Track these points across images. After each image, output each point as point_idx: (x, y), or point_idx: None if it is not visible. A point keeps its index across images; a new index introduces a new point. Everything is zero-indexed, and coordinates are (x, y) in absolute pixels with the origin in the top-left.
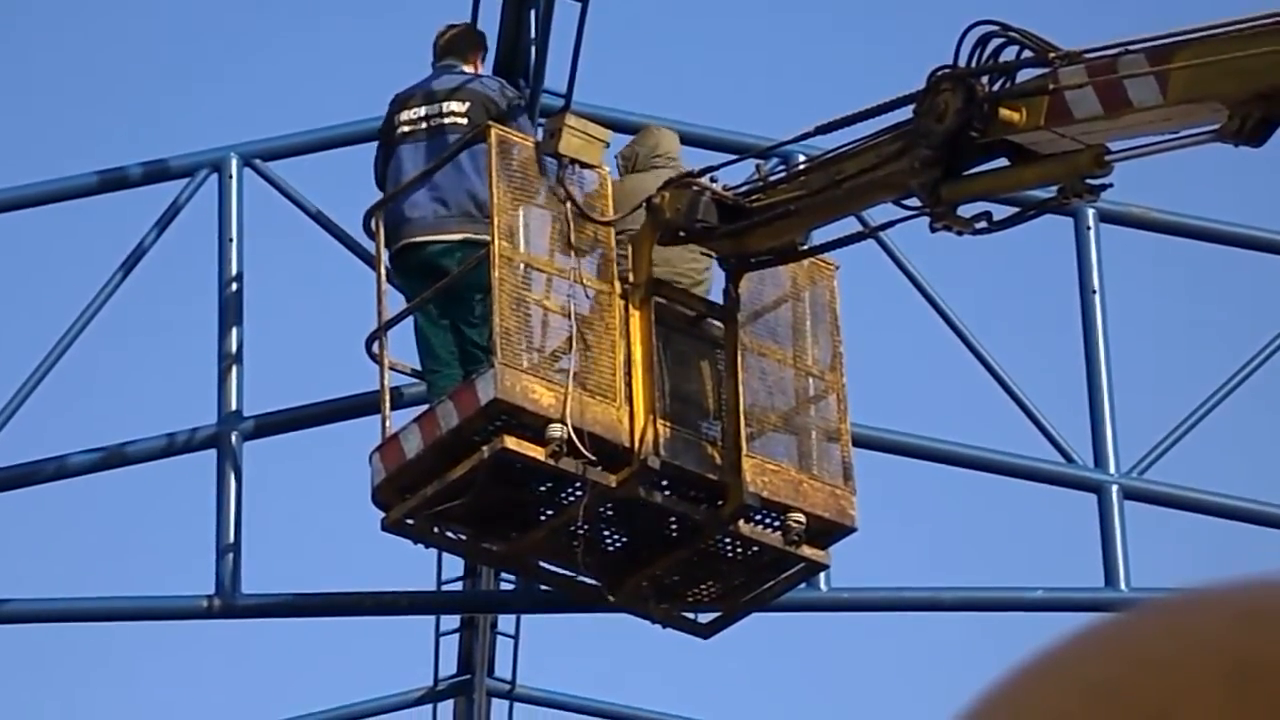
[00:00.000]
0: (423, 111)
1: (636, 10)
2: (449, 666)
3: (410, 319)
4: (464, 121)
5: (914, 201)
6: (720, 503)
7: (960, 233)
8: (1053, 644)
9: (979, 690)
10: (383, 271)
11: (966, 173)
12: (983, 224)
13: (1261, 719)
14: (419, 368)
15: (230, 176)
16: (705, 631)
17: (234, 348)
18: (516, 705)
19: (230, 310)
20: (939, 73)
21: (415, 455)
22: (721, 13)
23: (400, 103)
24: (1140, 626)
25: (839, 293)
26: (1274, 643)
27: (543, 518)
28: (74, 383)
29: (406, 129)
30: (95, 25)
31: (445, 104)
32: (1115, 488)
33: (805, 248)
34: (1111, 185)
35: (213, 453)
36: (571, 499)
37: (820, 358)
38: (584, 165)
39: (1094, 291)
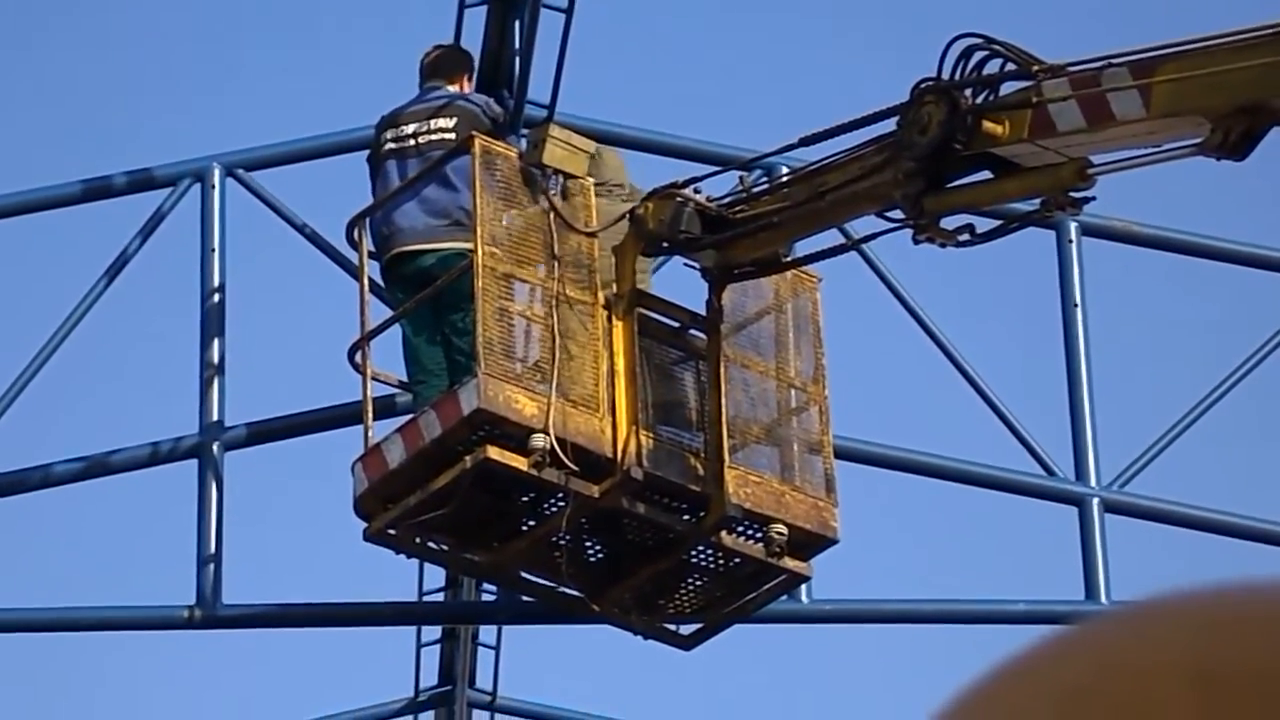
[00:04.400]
0: (410, 129)
1: (620, 22)
2: (430, 677)
3: (397, 329)
4: (452, 137)
5: (897, 214)
6: (702, 514)
7: (943, 245)
8: (1022, 650)
9: (949, 695)
10: (365, 282)
11: (950, 185)
12: (965, 236)
13: None
14: (403, 378)
15: (213, 186)
16: (687, 643)
17: (216, 358)
18: (498, 716)
19: (213, 320)
20: (923, 85)
21: (398, 465)
22: (705, 24)
23: (386, 123)
24: (1108, 633)
25: (822, 305)
26: (1238, 650)
27: (525, 528)
28: (57, 392)
29: (394, 146)
30: (78, 35)
31: (433, 121)
32: (1096, 501)
33: (788, 259)
34: (1094, 198)
35: (195, 463)
36: (554, 509)
37: (803, 369)
38: (567, 176)
39: (1076, 304)
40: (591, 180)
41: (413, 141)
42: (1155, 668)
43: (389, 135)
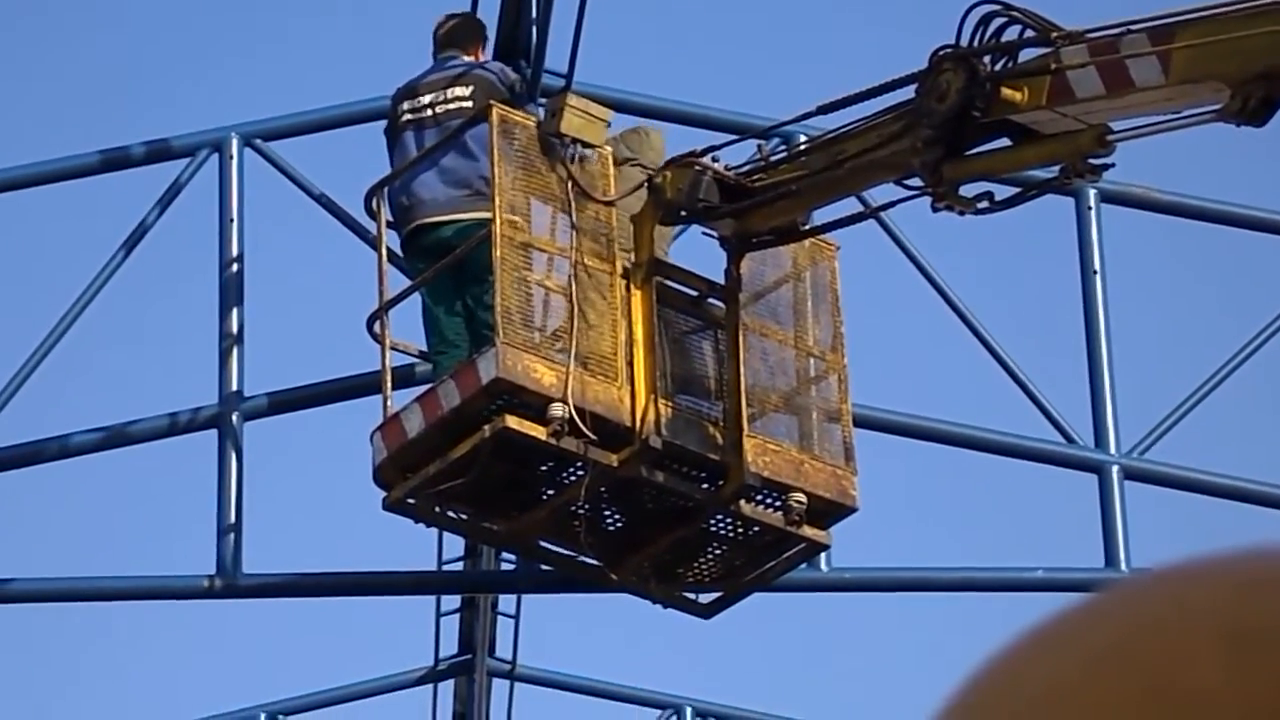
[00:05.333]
0: (427, 99)
1: None
2: (450, 646)
3: (416, 299)
4: (469, 105)
5: (915, 181)
6: (721, 482)
7: (962, 213)
8: (1053, 613)
9: (979, 659)
10: (384, 251)
11: (968, 152)
12: (984, 204)
13: (1259, 687)
14: (422, 348)
15: (231, 156)
16: (706, 611)
17: (235, 328)
18: (517, 685)
19: (231, 290)
20: (941, 52)
21: (417, 434)
22: None
23: (403, 94)
24: (1140, 594)
25: (840, 273)
26: (1273, 611)
27: (544, 497)
28: (76, 362)
29: (410, 117)
30: (96, 6)
31: (449, 90)
32: (1116, 468)
33: (806, 228)
34: (1113, 165)
35: (214, 433)
36: (573, 478)
37: (821, 338)
38: (585, 145)
39: (1095, 271)
40: (609, 149)
41: (430, 111)
42: (1187, 626)
43: (405, 106)
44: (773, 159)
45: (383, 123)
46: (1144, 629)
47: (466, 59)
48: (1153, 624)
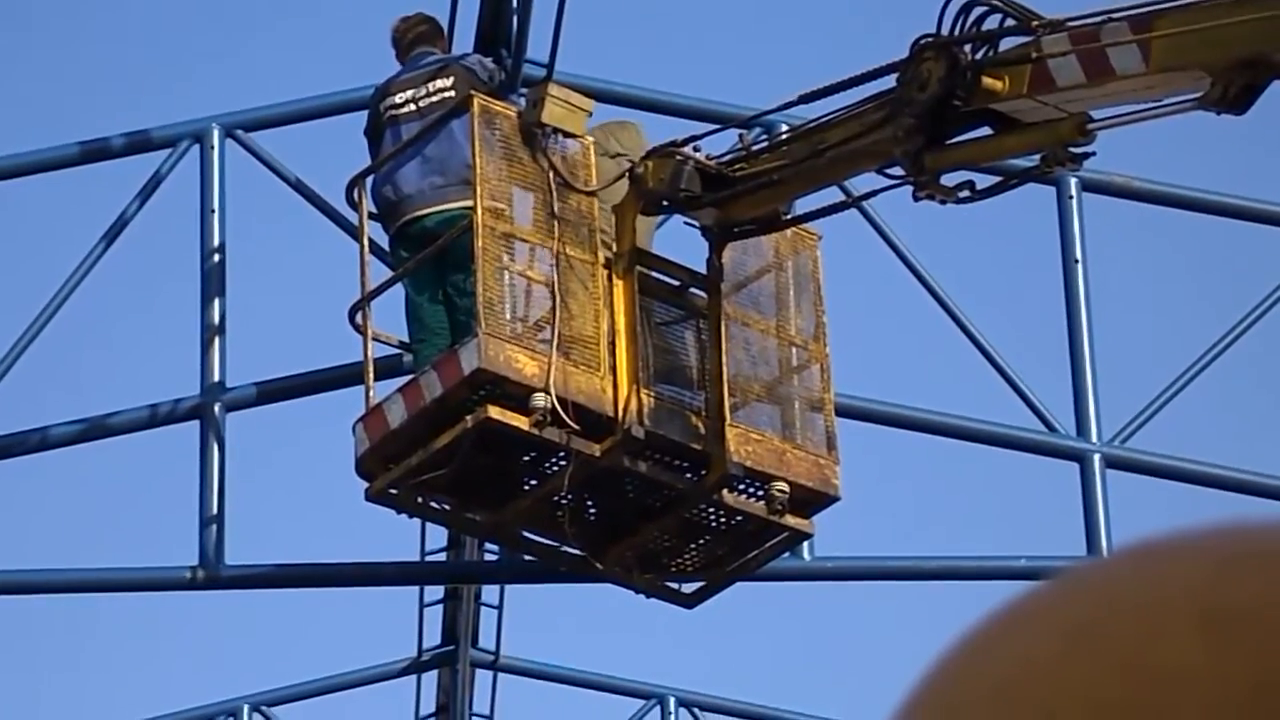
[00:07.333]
0: (410, 94)
1: None
2: (433, 637)
3: (399, 289)
4: (452, 95)
5: (897, 170)
6: (704, 472)
7: (943, 202)
8: (1025, 591)
9: (952, 636)
10: (365, 242)
11: (949, 141)
12: (965, 193)
13: (1235, 664)
14: (404, 339)
15: (212, 147)
16: (689, 601)
17: (217, 319)
18: (500, 675)
19: (213, 281)
20: (922, 41)
21: (399, 425)
22: None
23: (384, 92)
24: (1115, 570)
25: (822, 262)
26: (1250, 588)
27: (526, 487)
28: (56, 354)
29: (395, 113)
30: None
31: (431, 83)
32: (1097, 456)
33: (788, 217)
34: (1094, 154)
35: (196, 424)
36: (555, 469)
37: (803, 327)
38: (566, 134)
39: (1076, 260)
40: (591, 139)
41: (412, 105)
42: (1163, 602)
43: (385, 104)
44: (754, 148)
45: (365, 113)
46: (1119, 606)
47: (440, 54)
48: (1128, 601)
